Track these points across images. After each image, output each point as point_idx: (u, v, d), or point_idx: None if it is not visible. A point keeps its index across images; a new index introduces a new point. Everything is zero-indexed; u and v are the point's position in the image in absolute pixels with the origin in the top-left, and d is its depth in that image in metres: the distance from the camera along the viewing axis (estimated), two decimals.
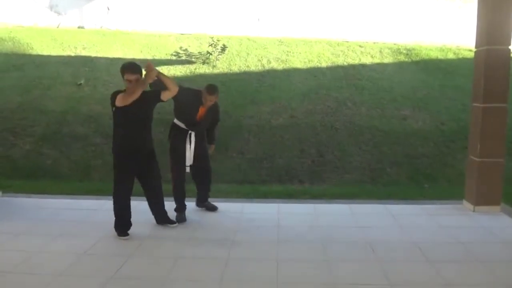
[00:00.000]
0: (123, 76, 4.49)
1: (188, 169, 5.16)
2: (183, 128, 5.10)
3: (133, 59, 10.60)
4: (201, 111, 5.06)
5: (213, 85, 5.05)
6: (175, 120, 5.17)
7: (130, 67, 4.50)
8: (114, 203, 4.69)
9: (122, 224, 4.71)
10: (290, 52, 11.61)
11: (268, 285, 3.68)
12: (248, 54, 11.47)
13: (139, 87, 4.40)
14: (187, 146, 5.07)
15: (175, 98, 4.80)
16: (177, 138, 5.12)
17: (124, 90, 4.50)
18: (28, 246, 4.45)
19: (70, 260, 4.11)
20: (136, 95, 4.36)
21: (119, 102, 4.41)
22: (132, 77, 4.42)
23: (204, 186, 5.48)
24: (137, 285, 3.68)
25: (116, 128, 4.63)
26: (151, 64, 4.48)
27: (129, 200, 4.72)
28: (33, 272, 3.88)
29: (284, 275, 3.84)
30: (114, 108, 4.51)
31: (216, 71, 10.72)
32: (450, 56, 11.89)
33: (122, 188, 4.66)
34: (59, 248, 4.44)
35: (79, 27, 12.81)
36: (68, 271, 3.90)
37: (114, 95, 4.51)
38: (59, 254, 4.28)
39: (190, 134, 5.09)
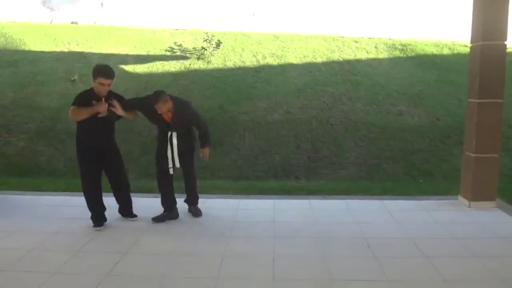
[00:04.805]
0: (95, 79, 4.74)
1: (171, 171, 5.06)
2: (163, 130, 5.07)
3: (127, 55, 10.59)
4: (167, 116, 4.93)
5: (155, 93, 4.86)
6: None
7: (106, 71, 4.76)
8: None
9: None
10: (285, 47, 11.58)
11: (264, 281, 3.68)
12: (243, 49, 11.43)
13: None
14: (169, 146, 5.00)
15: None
16: (159, 139, 5.10)
17: (89, 90, 4.83)
18: (23, 243, 4.42)
19: (66, 257, 4.09)
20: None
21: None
22: (107, 82, 4.71)
23: (187, 190, 5.33)
24: (133, 282, 3.67)
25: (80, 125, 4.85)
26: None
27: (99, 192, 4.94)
28: (29, 270, 3.86)
29: (280, 271, 3.84)
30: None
31: (210, 66, 10.68)
32: (446, 51, 11.91)
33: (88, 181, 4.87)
34: (55, 245, 4.42)
35: (72, 23, 12.71)
36: (63, 268, 3.89)
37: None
38: (54, 251, 4.26)
39: (171, 135, 5.00)
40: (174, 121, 4.95)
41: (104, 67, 4.81)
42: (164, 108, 4.81)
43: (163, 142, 5.02)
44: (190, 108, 5.12)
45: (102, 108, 4.68)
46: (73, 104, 4.72)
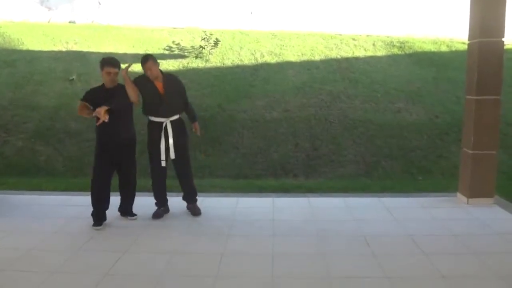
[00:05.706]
0: (102, 69, 4.85)
1: (163, 163, 5.06)
2: (156, 121, 5.03)
3: (125, 54, 10.57)
4: (158, 85, 5.00)
5: (143, 56, 5.07)
6: (149, 117, 5.12)
7: (111, 61, 4.89)
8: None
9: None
10: (283, 45, 11.58)
11: (263, 279, 3.69)
12: (241, 47, 11.43)
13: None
14: (163, 139, 5.00)
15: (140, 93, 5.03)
16: (152, 132, 5.08)
17: (101, 86, 4.93)
18: (23, 243, 4.43)
19: (65, 256, 4.10)
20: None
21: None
22: (113, 70, 4.84)
23: (185, 188, 5.31)
24: (132, 281, 3.68)
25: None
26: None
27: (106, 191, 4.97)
28: (29, 269, 3.86)
29: (279, 269, 3.85)
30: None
31: (209, 65, 10.68)
32: (443, 48, 11.91)
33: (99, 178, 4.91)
34: (54, 245, 4.43)
35: (70, 22, 12.70)
36: (63, 267, 3.89)
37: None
38: (54, 251, 4.27)
39: (166, 125, 5.00)
40: (166, 91, 4.99)
41: (109, 57, 4.96)
42: (155, 70, 4.95)
43: (156, 132, 5.00)
44: (179, 79, 5.29)
45: (102, 118, 4.70)
46: (82, 99, 4.87)
